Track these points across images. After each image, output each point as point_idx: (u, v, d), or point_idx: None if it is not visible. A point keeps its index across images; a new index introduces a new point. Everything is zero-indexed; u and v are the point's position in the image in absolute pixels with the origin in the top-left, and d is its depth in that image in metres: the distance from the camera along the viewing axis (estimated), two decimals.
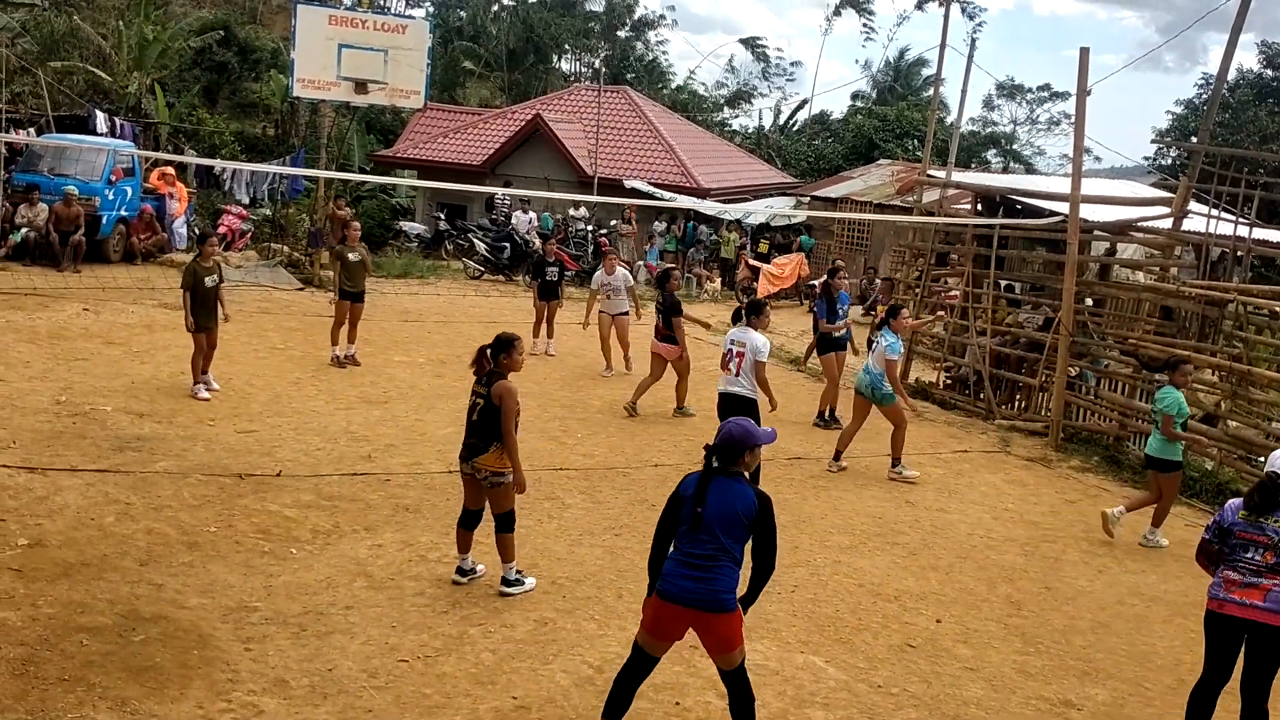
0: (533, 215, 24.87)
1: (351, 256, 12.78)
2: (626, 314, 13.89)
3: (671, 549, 5.01)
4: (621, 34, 52.14)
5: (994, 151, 49.48)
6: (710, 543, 4.85)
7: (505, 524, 6.81)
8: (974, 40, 17.87)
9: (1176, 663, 6.93)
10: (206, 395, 10.70)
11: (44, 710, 5.05)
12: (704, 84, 55.33)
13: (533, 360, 13.04)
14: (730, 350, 9.20)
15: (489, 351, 6.74)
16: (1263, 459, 10.88)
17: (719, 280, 24.75)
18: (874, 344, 11.00)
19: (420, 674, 5.76)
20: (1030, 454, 11.98)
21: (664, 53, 56.26)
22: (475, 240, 23.11)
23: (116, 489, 7.98)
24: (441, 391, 12.01)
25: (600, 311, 13.89)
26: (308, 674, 5.64)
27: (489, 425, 6.62)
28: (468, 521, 6.96)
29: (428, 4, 52.79)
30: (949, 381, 15.11)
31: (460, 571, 6.98)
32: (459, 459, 6.89)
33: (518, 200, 24.67)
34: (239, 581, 6.66)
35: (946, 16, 19.25)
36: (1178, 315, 12.31)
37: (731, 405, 8.94)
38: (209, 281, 10.75)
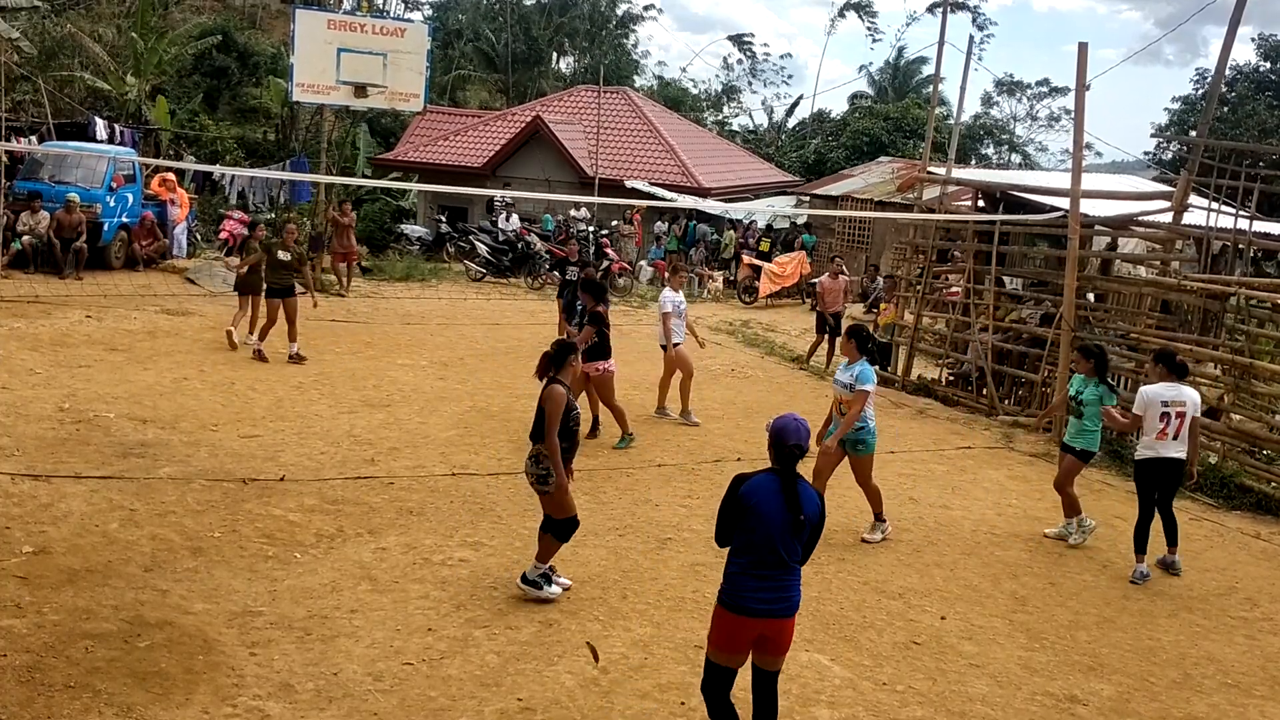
0: (515, 218, 24.63)
1: (282, 255, 12.93)
2: None
3: (736, 556, 4.84)
4: (602, 34, 52.10)
5: (990, 144, 49.50)
6: (783, 552, 4.77)
7: (551, 525, 6.86)
8: (972, 38, 17.76)
9: (1181, 657, 6.92)
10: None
11: (50, 717, 5.06)
12: (693, 80, 55.48)
13: None
14: (1167, 413, 8.21)
15: (551, 358, 6.80)
16: (1267, 452, 10.93)
17: (720, 279, 24.76)
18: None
19: (425, 676, 5.77)
20: (1033, 450, 11.97)
21: (634, 43, 56.29)
22: (477, 242, 23.11)
23: (120, 495, 7.99)
24: (444, 394, 12.03)
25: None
26: (313, 678, 5.65)
27: (538, 427, 6.73)
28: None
29: (426, 7, 52.95)
30: (951, 378, 15.12)
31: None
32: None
33: (504, 205, 24.59)
34: (243, 586, 6.67)
35: (945, 15, 19.22)
36: (1175, 309, 12.31)
37: (1169, 470, 8.32)
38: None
